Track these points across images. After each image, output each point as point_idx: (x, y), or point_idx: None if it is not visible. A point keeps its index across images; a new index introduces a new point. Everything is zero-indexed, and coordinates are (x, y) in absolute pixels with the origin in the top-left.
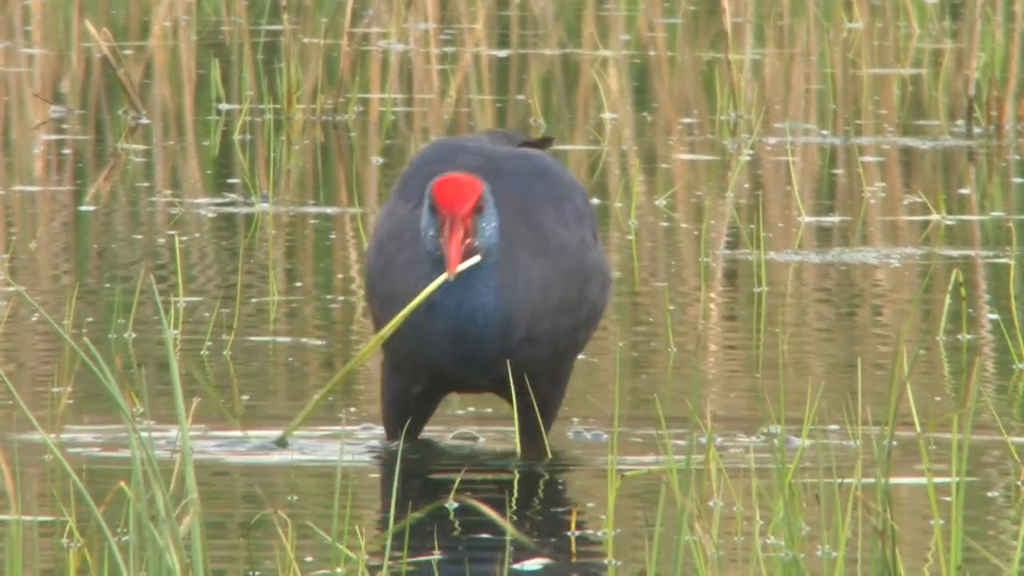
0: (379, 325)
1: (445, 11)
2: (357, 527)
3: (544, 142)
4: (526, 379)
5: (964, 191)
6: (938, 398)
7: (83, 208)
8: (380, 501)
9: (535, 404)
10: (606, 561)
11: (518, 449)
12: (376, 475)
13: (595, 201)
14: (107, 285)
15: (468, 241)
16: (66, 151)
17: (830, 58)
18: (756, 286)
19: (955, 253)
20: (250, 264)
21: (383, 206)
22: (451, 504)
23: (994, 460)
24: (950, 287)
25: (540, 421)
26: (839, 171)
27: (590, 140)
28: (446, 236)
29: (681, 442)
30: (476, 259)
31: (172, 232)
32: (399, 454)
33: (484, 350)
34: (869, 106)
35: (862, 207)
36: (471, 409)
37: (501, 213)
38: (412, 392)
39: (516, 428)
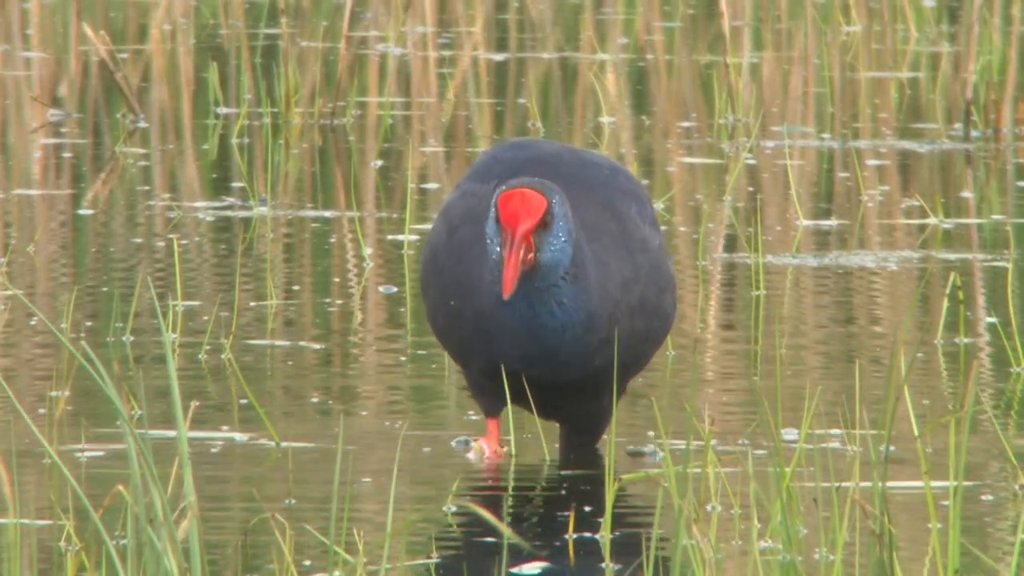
0: (434, 311)
1: (443, 14)
2: (355, 530)
3: None
4: (585, 394)
5: (962, 194)
6: (934, 401)
7: (81, 212)
8: (378, 504)
9: (587, 420)
10: (604, 564)
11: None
12: (374, 478)
13: None
14: (105, 288)
15: (530, 257)
16: (64, 155)
17: (828, 61)
18: (754, 289)
19: (953, 256)
20: (248, 267)
21: (451, 191)
22: (449, 507)
23: (992, 464)
24: (948, 290)
25: (591, 436)
26: (837, 174)
27: (588, 143)
28: (505, 256)
29: (679, 445)
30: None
31: (170, 235)
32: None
33: (564, 350)
34: (867, 109)
35: (860, 210)
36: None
37: (586, 202)
38: (483, 378)
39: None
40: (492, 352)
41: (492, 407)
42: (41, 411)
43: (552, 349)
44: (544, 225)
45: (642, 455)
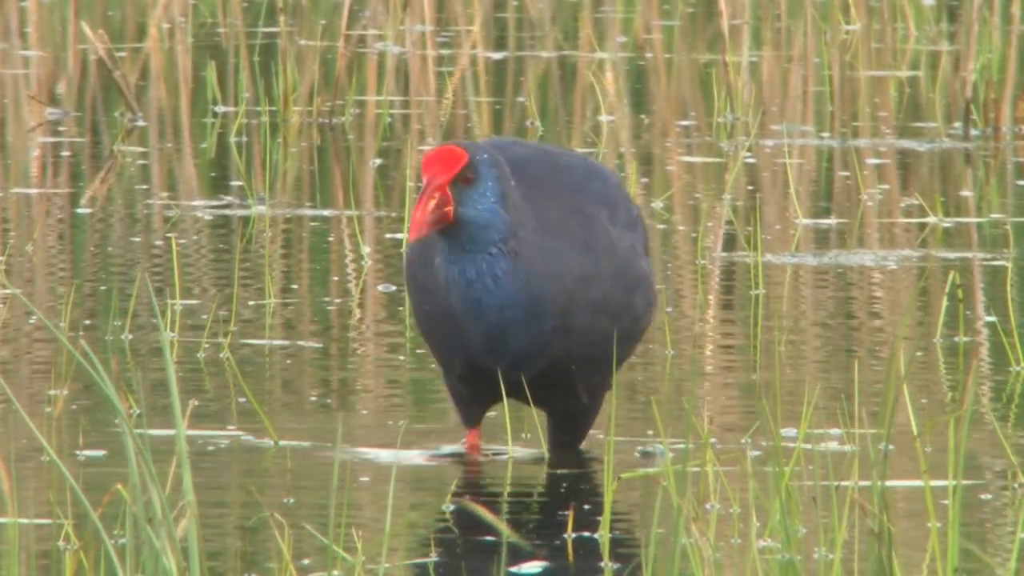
0: (416, 316)
1: (442, 13)
2: (354, 529)
3: None
4: (560, 389)
5: (961, 193)
6: (933, 400)
7: (80, 210)
8: (377, 503)
9: (570, 418)
10: (603, 563)
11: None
12: (373, 477)
13: None
14: (104, 287)
15: (447, 210)
16: (63, 153)
17: (827, 60)
18: (753, 288)
19: (952, 255)
20: (246, 266)
21: None
22: (448, 506)
23: (991, 463)
24: (947, 289)
25: (574, 436)
26: (837, 173)
27: (587, 142)
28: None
29: (679, 444)
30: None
31: (169, 234)
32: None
33: (512, 337)
34: (866, 108)
35: (859, 209)
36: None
37: (551, 203)
38: (461, 385)
39: (546, 435)
40: (462, 351)
41: (469, 417)
42: (49, 410)
43: (500, 335)
44: (465, 180)
45: (652, 456)
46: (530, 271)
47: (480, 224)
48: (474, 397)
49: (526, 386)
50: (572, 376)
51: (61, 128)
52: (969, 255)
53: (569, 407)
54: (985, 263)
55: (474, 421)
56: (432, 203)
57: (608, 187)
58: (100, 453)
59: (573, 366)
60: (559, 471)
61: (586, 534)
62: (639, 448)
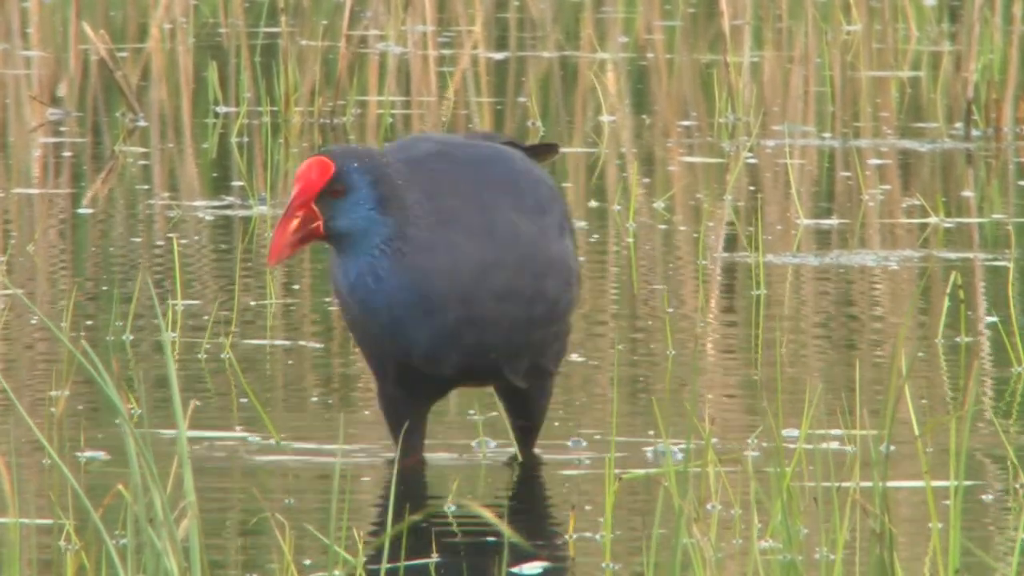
0: (347, 326)
1: (443, 13)
2: (355, 530)
3: (547, 148)
4: (492, 379)
5: (963, 194)
6: (934, 401)
7: (81, 211)
8: (378, 504)
9: (520, 400)
10: (604, 564)
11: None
12: (374, 477)
13: (592, 204)
14: (105, 287)
15: (315, 226)
16: (64, 154)
17: (828, 60)
18: (754, 288)
19: (953, 256)
20: (248, 266)
21: None
22: (449, 507)
23: (992, 463)
24: (948, 289)
25: (529, 421)
26: (838, 174)
27: (588, 143)
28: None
29: (680, 444)
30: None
31: (170, 234)
32: (396, 458)
33: (415, 333)
34: (868, 108)
35: (861, 210)
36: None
37: (449, 193)
38: (397, 395)
39: (511, 430)
40: (379, 351)
41: (406, 447)
42: (52, 410)
43: (401, 332)
44: (334, 193)
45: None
46: (418, 268)
47: (356, 233)
48: (411, 401)
49: (454, 379)
50: (498, 364)
51: (62, 128)
52: (970, 255)
53: (512, 391)
54: (986, 263)
55: (409, 450)
56: (294, 223)
57: (513, 173)
58: (100, 454)
59: (492, 355)
60: (561, 472)
61: (587, 534)
62: (649, 449)
